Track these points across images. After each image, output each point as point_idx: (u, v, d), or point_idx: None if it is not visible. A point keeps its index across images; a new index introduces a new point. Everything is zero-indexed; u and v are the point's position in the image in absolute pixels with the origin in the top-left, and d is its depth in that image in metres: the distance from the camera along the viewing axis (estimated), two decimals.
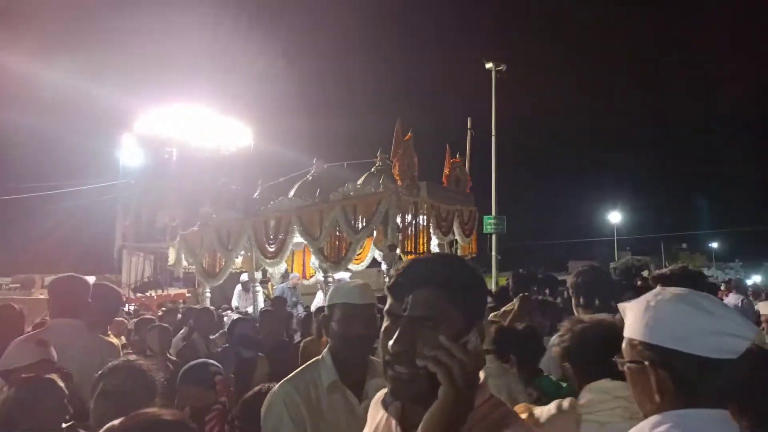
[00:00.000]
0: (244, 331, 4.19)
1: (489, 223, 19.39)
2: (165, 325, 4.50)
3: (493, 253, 20.08)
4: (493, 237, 19.73)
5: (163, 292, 17.84)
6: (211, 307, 10.33)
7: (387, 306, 1.13)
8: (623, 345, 1.26)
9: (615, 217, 40.07)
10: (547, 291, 4.39)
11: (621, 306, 1.30)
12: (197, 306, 9.86)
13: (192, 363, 2.51)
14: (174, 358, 4.49)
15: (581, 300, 2.76)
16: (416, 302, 1.07)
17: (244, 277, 9.98)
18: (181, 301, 12.10)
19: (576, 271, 2.95)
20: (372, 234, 8.73)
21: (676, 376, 1.14)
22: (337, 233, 8.62)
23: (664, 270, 2.93)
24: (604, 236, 40.65)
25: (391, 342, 1.06)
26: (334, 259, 8.56)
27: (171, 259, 11.15)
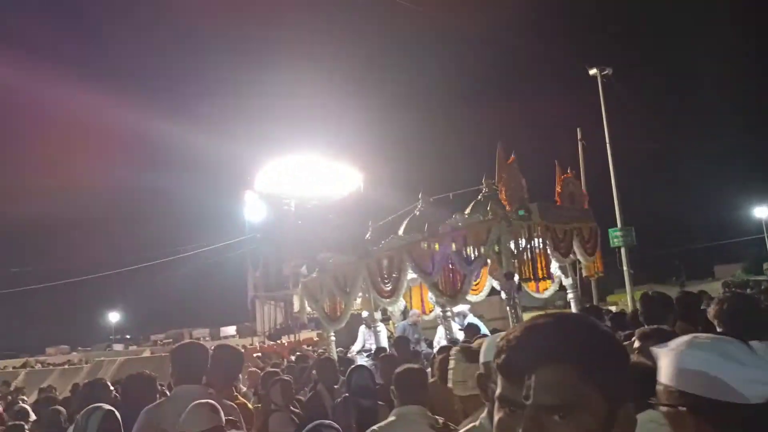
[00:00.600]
0: (362, 381, 4.14)
1: (615, 236, 18.21)
2: (287, 377, 4.59)
3: (625, 268, 18.73)
4: (622, 250, 18.47)
5: (295, 337, 18.64)
6: (340, 349, 10.59)
7: (500, 390, 0.88)
8: (659, 389, 1.35)
9: (762, 211, 35.99)
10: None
11: (654, 351, 1.36)
12: (323, 351, 10.11)
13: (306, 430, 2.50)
14: (299, 411, 4.55)
15: (728, 332, 2.42)
16: (542, 385, 0.82)
17: (365, 313, 10.10)
18: (310, 346, 12.50)
19: (719, 297, 2.60)
20: (486, 263, 8.47)
21: (714, 422, 1.24)
22: (450, 266, 8.46)
23: None
24: (752, 234, 36.56)
25: None
26: (450, 293, 8.38)
27: (296, 307, 11.60)
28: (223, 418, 2.65)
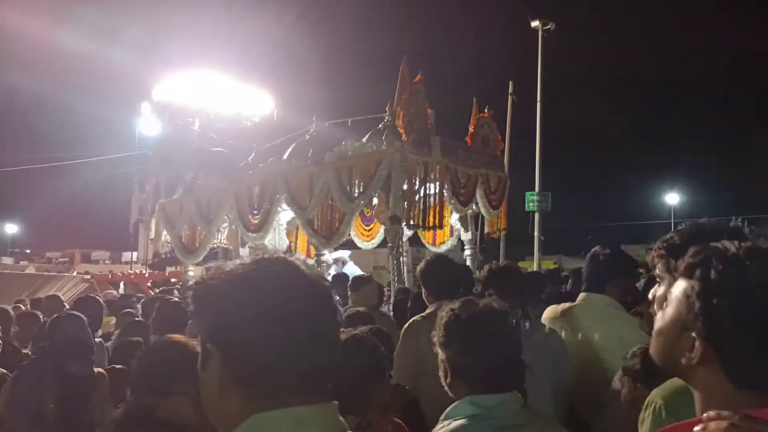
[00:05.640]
0: (73, 333, 2.56)
1: (531, 200, 17.47)
2: None
3: (536, 234, 18.14)
4: (536, 216, 17.83)
5: (183, 269, 16.85)
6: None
7: None
8: None
9: (673, 198, 37.04)
10: None
11: None
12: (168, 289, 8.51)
13: None
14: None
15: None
16: None
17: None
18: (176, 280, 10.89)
19: None
20: (371, 203, 7.12)
21: None
22: (330, 202, 7.05)
23: None
24: (660, 219, 37.68)
25: None
26: (325, 233, 6.99)
27: (152, 233, 9.88)
28: None
